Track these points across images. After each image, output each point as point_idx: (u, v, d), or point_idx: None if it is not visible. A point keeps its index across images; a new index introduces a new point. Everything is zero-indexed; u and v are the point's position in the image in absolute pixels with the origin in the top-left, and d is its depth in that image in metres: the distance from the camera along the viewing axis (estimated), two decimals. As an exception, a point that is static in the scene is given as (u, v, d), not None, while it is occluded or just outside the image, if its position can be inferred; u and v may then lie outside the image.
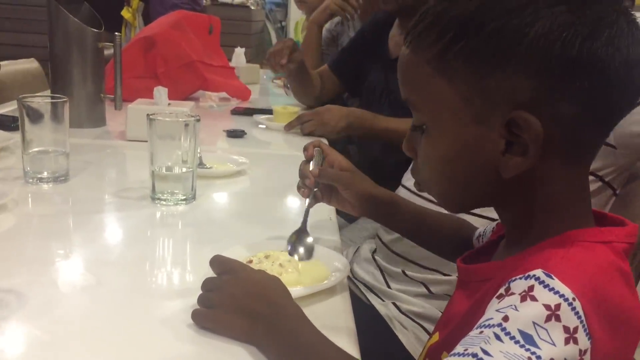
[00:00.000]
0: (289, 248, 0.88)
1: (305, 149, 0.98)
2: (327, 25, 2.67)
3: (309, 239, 0.90)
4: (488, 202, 0.65)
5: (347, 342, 0.68)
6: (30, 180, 1.15)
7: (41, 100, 1.16)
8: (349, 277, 1.26)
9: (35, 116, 1.14)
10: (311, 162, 0.97)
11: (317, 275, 0.81)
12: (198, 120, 1.09)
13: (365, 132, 1.69)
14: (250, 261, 0.81)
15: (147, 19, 4.65)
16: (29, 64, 2.43)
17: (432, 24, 0.60)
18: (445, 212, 0.72)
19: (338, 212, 1.13)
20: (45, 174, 1.15)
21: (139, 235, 0.98)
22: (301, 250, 0.88)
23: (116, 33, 1.63)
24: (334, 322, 0.72)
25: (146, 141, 1.26)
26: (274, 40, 7.15)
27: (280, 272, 0.79)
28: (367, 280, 1.24)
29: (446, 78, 0.58)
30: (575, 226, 0.58)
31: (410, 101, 0.64)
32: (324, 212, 1.08)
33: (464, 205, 0.68)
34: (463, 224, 0.93)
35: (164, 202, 1.09)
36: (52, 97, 1.18)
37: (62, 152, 1.17)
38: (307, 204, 0.95)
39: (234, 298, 0.68)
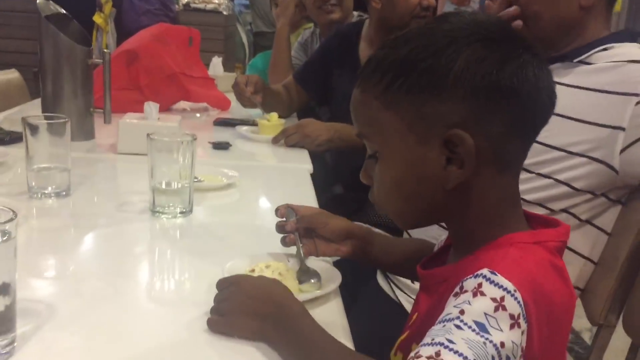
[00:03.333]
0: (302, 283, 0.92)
1: (277, 209, 1.04)
2: (298, 38, 2.79)
3: (315, 275, 0.94)
4: (437, 215, 0.75)
5: (343, 337, 0.78)
6: (35, 195, 1.22)
7: (44, 120, 1.23)
8: (384, 276, 1.38)
9: (39, 134, 1.22)
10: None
11: (312, 284, 0.91)
12: (195, 139, 1.18)
13: (344, 145, 1.80)
14: (253, 270, 0.91)
15: (120, 24, 4.68)
16: (10, 75, 2.47)
17: (376, 67, 0.71)
18: (406, 237, 0.82)
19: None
20: (49, 189, 1.23)
21: (145, 247, 1.07)
22: (314, 280, 0.93)
23: (105, 50, 1.70)
24: (331, 322, 0.82)
25: (137, 154, 1.34)
26: (244, 41, 7.21)
27: (280, 280, 0.88)
28: (398, 278, 1.35)
29: (392, 110, 0.69)
30: (511, 230, 0.69)
31: (363, 134, 0.74)
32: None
33: (416, 221, 0.77)
34: (424, 244, 1.02)
35: (164, 216, 1.18)
36: (54, 117, 1.25)
37: (64, 168, 1.25)
38: (299, 250, 0.98)
39: (242, 304, 0.78)
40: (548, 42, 1.19)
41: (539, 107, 0.70)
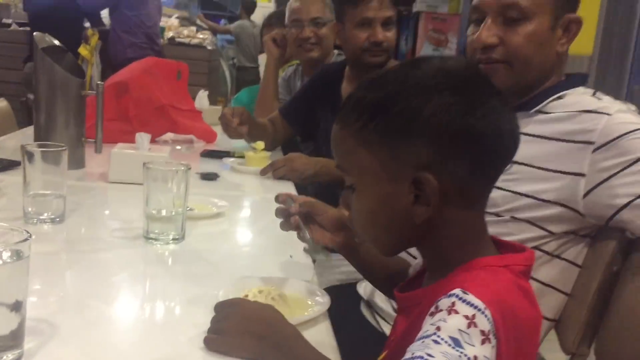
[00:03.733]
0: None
1: (278, 196, 1.11)
2: (282, 74, 2.88)
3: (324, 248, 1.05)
4: (410, 243, 0.81)
5: (332, 357, 0.83)
6: (31, 220, 1.26)
7: (41, 149, 1.27)
8: (367, 305, 1.43)
9: (36, 162, 1.26)
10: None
11: (303, 308, 0.96)
12: (189, 169, 1.23)
13: (329, 178, 1.87)
14: (246, 295, 0.95)
15: (106, 56, 4.75)
16: (-1, 103, 2.50)
17: (354, 107, 0.77)
18: None
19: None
20: (45, 215, 1.26)
21: (141, 272, 1.11)
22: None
23: (98, 82, 1.75)
24: (321, 342, 0.86)
25: (127, 183, 1.37)
26: (227, 76, 7.33)
27: (272, 304, 0.93)
28: (381, 307, 1.40)
29: (366, 148, 0.75)
30: (480, 255, 0.75)
31: (341, 167, 0.81)
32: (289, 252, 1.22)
33: (392, 249, 0.83)
34: (404, 263, 1.09)
35: (157, 242, 1.22)
36: (50, 145, 1.30)
37: (60, 195, 1.29)
38: (303, 231, 1.06)
39: (239, 324, 0.83)
40: (526, 86, 1.26)
41: (501, 150, 0.76)
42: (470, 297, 0.66)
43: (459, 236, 0.76)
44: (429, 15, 8.65)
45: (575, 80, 1.28)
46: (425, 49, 8.16)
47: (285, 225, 1.07)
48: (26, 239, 0.71)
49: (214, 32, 7.83)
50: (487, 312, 0.66)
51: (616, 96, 1.23)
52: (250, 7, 8.24)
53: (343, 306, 1.54)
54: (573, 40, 1.25)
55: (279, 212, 1.08)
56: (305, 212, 1.07)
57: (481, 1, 1.24)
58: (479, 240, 0.78)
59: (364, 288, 1.52)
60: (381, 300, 1.44)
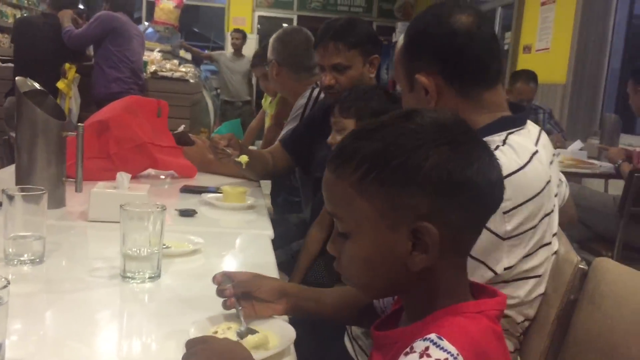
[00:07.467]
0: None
1: (214, 277, 1.11)
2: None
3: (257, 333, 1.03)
4: (398, 290, 0.86)
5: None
6: (11, 262, 1.30)
7: (22, 193, 1.32)
8: (347, 336, 1.49)
9: (16, 205, 1.30)
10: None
11: (269, 342, 1.01)
12: (164, 209, 1.28)
13: None
14: (216, 332, 1.01)
15: (89, 91, 4.80)
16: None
17: (351, 157, 0.80)
18: (344, 286, 0.93)
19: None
20: (25, 257, 1.31)
21: (117, 311, 1.16)
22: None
23: (79, 124, 1.81)
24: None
25: (106, 222, 1.41)
26: (210, 107, 7.39)
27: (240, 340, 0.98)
28: (359, 335, 1.45)
29: (365, 198, 0.79)
30: (459, 301, 0.80)
31: (335, 214, 0.83)
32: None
33: (381, 294, 0.89)
34: (350, 290, 1.10)
35: (133, 281, 1.26)
36: (31, 189, 1.35)
37: (40, 236, 1.33)
38: (238, 312, 1.06)
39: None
40: None
41: (491, 200, 0.82)
42: (445, 343, 0.71)
43: (446, 283, 0.81)
44: (409, 44, 8.80)
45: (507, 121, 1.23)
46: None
47: (225, 306, 1.08)
48: (5, 286, 0.76)
49: (197, 61, 7.93)
50: (460, 358, 0.70)
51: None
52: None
53: (325, 339, 1.59)
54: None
55: (218, 293, 1.08)
56: (241, 293, 1.08)
57: None
58: (460, 285, 0.83)
59: None
60: (358, 330, 1.49)
